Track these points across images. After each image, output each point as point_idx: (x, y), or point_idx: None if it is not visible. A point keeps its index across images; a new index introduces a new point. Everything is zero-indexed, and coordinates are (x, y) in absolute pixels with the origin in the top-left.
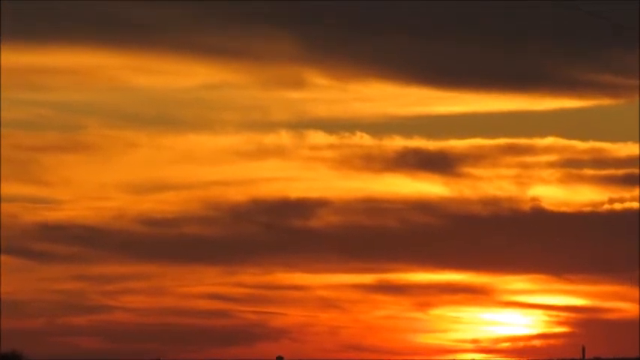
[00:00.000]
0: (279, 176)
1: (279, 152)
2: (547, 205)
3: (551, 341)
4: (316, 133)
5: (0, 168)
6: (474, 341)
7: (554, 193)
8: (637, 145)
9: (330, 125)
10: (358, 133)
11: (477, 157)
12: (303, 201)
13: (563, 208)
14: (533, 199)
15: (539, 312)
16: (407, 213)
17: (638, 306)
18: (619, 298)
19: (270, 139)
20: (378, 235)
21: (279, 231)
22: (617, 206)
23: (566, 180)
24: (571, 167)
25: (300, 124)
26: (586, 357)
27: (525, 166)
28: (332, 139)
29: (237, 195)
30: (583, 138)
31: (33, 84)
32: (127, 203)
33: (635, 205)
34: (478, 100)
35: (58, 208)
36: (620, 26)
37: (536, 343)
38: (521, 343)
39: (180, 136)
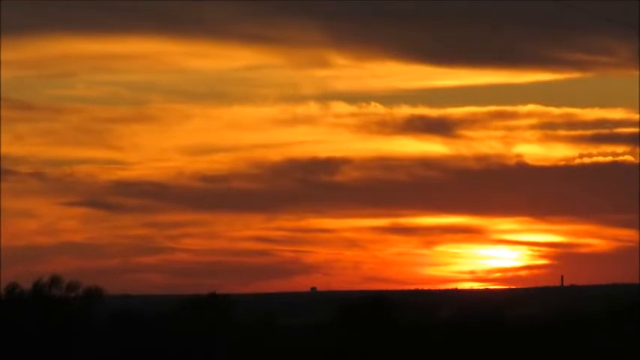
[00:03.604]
0: (310, 140)
1: (308, 120)
2: (529, 160)
3: (535, 272)
4: (339, 104)
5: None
6: (471, 272)
7: (534, 151)
8: (601, 110)
9: (350, 97)
10: (373, 104)
11: (471, 122)
12: (329, 159)
13: (542, 163)
14: (518, 155)
15: (524, 248)
16: (414, 168)
17: (605, 241)
18: (589, 235)
19: (301, 109)
20: (391, 187)
21: (310, 184)
22: (587, 160)
23: (544, 139)
24: (548, 129)
25: (326, 97)
26: (564, 284)
27: (510, 128)
28: (352, 108)
29: (275, 155)
30: (557, 105)
31: (107, 67)
32: (185, 163)
33: (601, 159)
34: (471, 75)
35: (128, 168)
36: (587, 13)
37: (522, 273)
38: (510, 274)
39: (227, 108)
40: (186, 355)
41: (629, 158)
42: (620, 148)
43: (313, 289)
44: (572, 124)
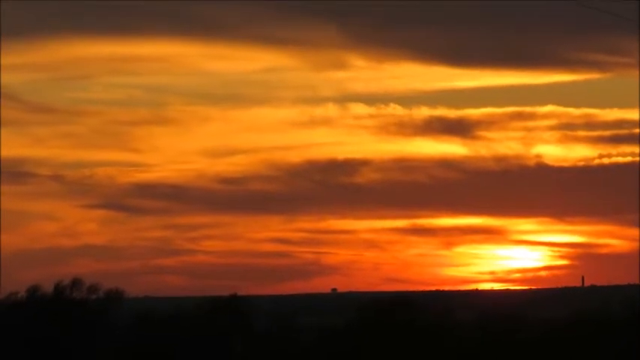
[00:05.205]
0: (328, 141)
1: (327, 122)
2: (548, 160)
3: (555, 272)
4: (357, 106)
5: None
6: (491, 273)
7: (553, 151)
8: (621, 111)
9: (369, 99)
10: (392, 105)
11: (489, 123)
12: (348, 161)
13: (561, 163)
14: (537, 156)
15: (544, 248)
16: (433, 169)
17: (624, 242)
18: (609, 236)
19: (319, 111)
20: (410, 188)
21: (330, 186)
22: (606, 161)
23: (563, 140)
24: (567, 130)
25: (344, 99)
26: (585, 284)
27: (529, 129)
28: (370, 110)
29: (294, 157)
30: (576, 105)
31: (125, 70)
32: (204, 165)
33: (620, 159)
34: (490, 76)
35: (148, 170)
36: (606, 13)
37: (543, 274)
38: (530, 274)
39: (246, 110)
40: (203, 356)
41: None
42: (639, 148)
43: (334, 290)
44: (591, 124)
